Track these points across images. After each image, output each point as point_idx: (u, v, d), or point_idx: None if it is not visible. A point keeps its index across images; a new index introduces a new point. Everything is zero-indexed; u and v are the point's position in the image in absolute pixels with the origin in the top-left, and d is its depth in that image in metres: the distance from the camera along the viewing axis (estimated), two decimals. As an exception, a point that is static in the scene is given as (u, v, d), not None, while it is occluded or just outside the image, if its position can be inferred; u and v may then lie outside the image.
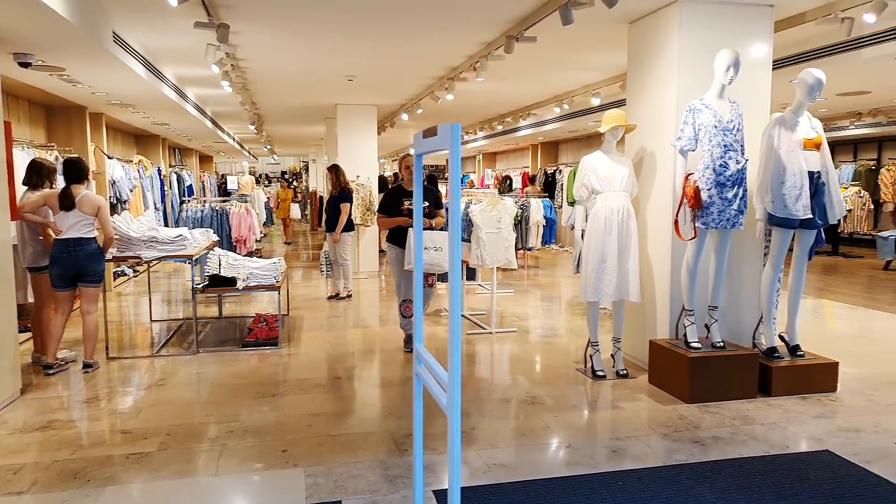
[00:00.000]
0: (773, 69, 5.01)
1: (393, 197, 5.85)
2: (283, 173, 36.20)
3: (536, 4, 5.04)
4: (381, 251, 11.62)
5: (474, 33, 6.03)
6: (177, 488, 3.22)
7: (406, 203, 5.73)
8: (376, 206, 10.23)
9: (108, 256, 5.55)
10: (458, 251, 1.66)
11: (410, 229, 5.43)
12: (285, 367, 5.50)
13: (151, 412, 4.38)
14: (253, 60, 7.21)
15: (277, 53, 6.86)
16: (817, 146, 4.64)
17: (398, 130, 15.35)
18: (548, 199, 12.10)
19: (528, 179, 16.45)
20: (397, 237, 5.79)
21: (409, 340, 6.04)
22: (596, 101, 9.02)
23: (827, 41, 5.84)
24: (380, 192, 11.96)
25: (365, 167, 11.13)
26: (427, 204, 5.63)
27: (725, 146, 4.46)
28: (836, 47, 5.80)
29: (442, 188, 10.92)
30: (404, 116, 11.23)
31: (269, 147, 22.17)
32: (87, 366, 5.37)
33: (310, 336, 6.65)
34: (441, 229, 5.62)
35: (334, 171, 8.49)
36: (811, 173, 4.60)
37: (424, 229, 5.34)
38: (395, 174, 22.27)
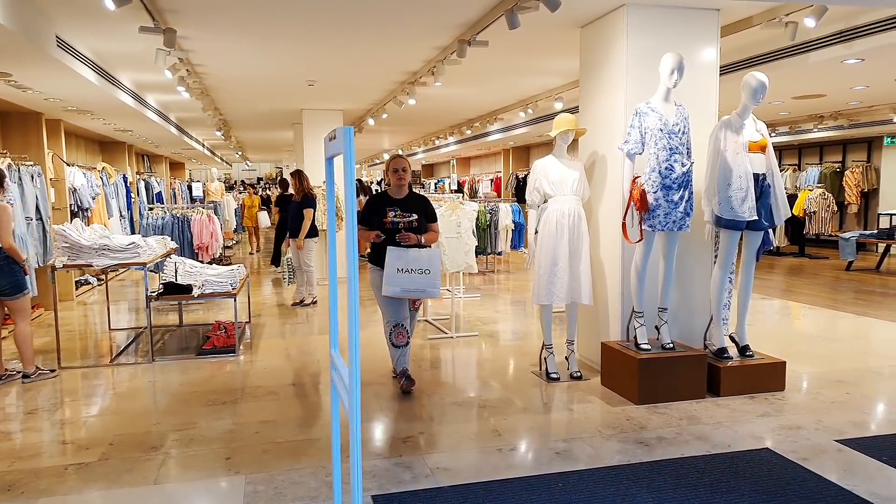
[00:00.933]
0: (725, 73, 5.08)
1: (374, 207, 4.88)
2: (259, 179, 35.99)
3: (485, 9, 5.07)
4: (361, 256, 11.58)
5: (430, 38, 6.04)
6: (112, 499, 3.17)
7: (391, 214, 4.81)
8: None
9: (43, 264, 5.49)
10: (355, 247, 1.67)
11: (390, 248, 4.70)
12: (240, 375, 5.46)
13: (97, 422, 4.32)
14: (209, 66, 7.16)
15: (233, 58, 6.82)
16: (762, 149, 4.71)
17: (369, 135, 15.33)
18: (516, 203, 12.15)
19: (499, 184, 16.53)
20: (377, 256, 4.84)
21: (404, 375, 4.89)
22: (559, 106, 9.09)
23: (775, 45, 5.93)
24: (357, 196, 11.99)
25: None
26: (415, 217, 4.84)
27: (671, 149, 4.51)
28: (785, 51, 5.90)
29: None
30: (370, 121, 11.21)
31: (240, 153, 22.02)
32: (24, 376, 5.28)
33: (270, 343, 6.60)
34: (423, 245, 4.86)
35: (297, 176, 8.45)
36: (756, 175, 4.66)
37: (411, 246, 4.74)
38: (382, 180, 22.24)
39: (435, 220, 5.05)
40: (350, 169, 1.69)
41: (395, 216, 4.79)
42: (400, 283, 4.65)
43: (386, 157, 23.44)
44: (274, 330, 7.24)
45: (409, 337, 4.92)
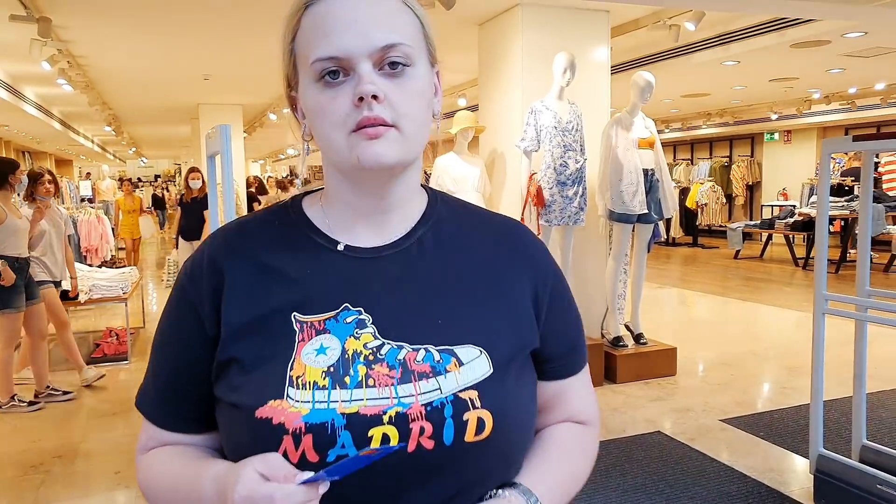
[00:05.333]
0: (616, 72, 5.28)
1: None
2: (157, 177, 34.34)
3: (383, 5, 5.03)
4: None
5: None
6: (-16, 524, 2.95)
7: None
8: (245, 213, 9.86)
9: None
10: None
11: None
12: (133, 383, 5.20)
13: (-31, 442, 3.99)
14: (93, 57, 6.76)
15: (120, 50, 6.46)
16: (651, 145, 4.93)
17: (273, 130, 14.95)
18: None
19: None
20: None
21: None
22: (462, 103, 9.17)
23: (662, 47, 6.22)
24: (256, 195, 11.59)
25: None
26: None
27: (565, 146, 4.64)
28: (670, 52, 6.20)
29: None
30: (272, 116, 10.94)
31: (134, 150, 20.95)
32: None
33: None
34: None
35: (199, 173, 8.08)
36: (646, 171, 4.88)
37: None
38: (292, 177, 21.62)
39: None
40: (228, 169, 1.63)
41: None
42: None
43: (291, 152, 22.92)
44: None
45: None
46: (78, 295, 5.66)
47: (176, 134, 16.08)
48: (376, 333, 0.80)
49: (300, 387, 0.76)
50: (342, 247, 0.85)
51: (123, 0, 4.83)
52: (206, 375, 0.83)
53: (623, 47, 6.31)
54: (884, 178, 11.06)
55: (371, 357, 0.78)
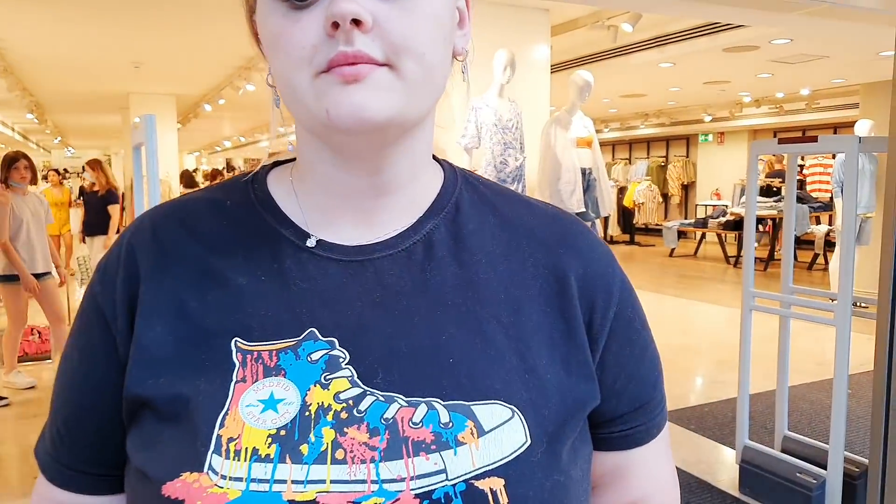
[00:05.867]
0: (556, 71, 5.33)
1: None
2: (54, 169, 32.85)
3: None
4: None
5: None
6: None
7: None
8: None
9: None
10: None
11: None
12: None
13: None
14: (11, 41, 6.41)
15: (41, 34, 6.15)
16: (589, 144, 5.01)
17: (208, 121, 14.55)
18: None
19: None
20: None
21: None
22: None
23: (601, 47, 6.33)
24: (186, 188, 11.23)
25: (164, 161, 10.39)
26: None
27: (505, 143, 4.66)
28: (609, 53, 6.31)
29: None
30: (207, 107, 10.65)
31: (59, 139, 20.05)
32: None
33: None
34: None
35: (98, 167, 7.38)
36: (584, 170, 4.95)
37: None
38: (214, 170, 21.05)
39: None
40: (152, 161, 1.55)
41: None
42: None
43: (227, 144, 22.38)
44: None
45: None
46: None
47: (105, 123, 15.47)
48: (355, 378, 0.53)
49: (232, 455, 0.50)
50: (313, 242, 0.59)
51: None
52: (119, 415, 0.58)
53: (563, 47, 6.38)
54: (807, 179, 11.56)
55: (344, 415, 0.51)
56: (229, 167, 24.83)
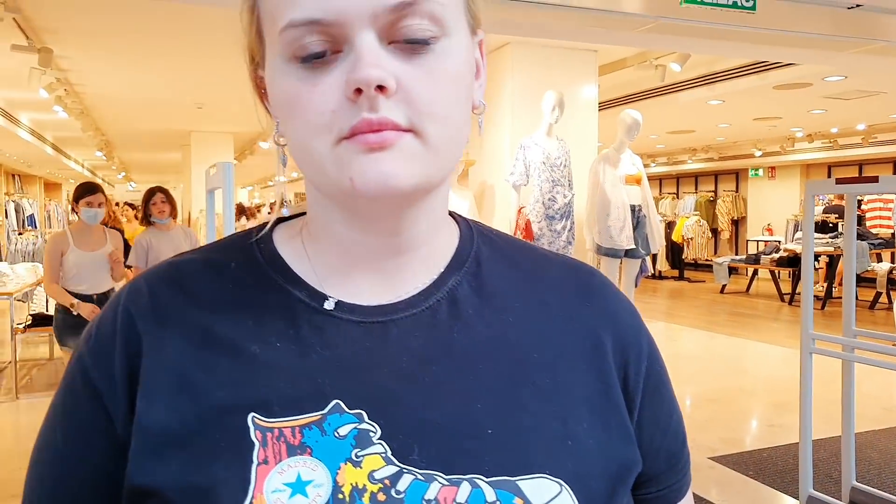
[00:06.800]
0: (604, 109, 5.40)
1: None
2: (129, 203, 34.04)
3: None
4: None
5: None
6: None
7: None
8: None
9: None
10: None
11: None
12: None
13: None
14: (89, 85, 6.82)
15: (116, 79, 6.53)
16: (638, 181, 5.03)
17: (262, 157, 15.02)
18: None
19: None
20: None
21: None
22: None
23: (649, 85, 6.37)
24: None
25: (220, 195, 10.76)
26: None
27: (553, 181, 4.72)
28: (657, 91, 6.34)
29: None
30: (263, 144, 11.02)
31: (123, 174, 20.95)
32: None
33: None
34: None
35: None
36: (633, 206, 4.97)
37: None
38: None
39: None
40: (229, 204, 1.65)
41: None
42: None
43: (282, 179, 22.93)
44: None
45: None
46: None
47: (166, 159, 16.13)
48: (388, 454, 0.48)
49: None
50: (332, 304, 0.54)
51: (123, 30, 4.91)
52: None
53: (610, 85, 6.45)
54: (867, 215, 11.25)
55: (381, 497, 0.47)
56: (282, 202, 25.40)
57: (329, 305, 0.54)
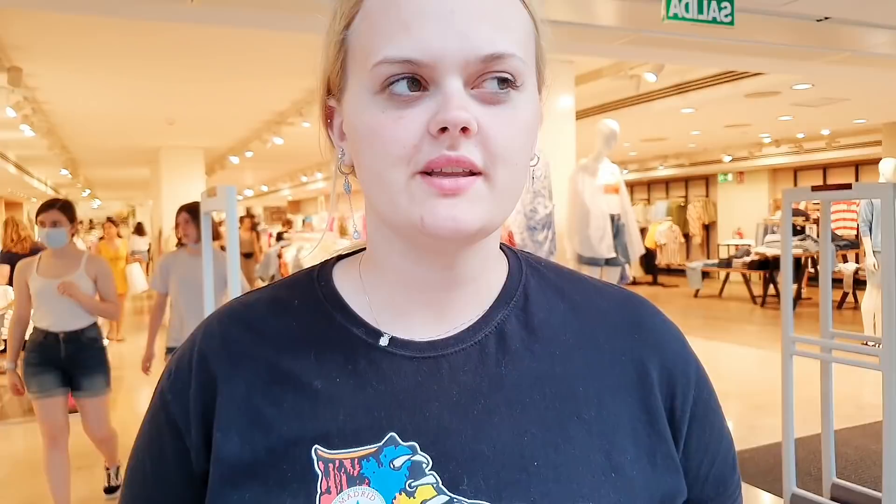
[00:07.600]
0: (581, 118, 5.45)
1: None
2: (109, 218, 33.49)
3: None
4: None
5: (299, 79, 6.01)
6: None
7: None
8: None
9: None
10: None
11: None
12: None
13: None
14: (57, 102, 6.69)
15: (84, 96, 6.42)
16: (616, 190, 5.09)
17: (232, 173, 14.87)
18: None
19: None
20: None
21: None
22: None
23: (624, 95, 6.47)
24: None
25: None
26: None
27: (534, 192, 4.75)
28: (632, 100, 6.43)
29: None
30: (234, 159, 10.91)
31: (88, 192, 20.56)
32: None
33: (140, 395, 6.13)
34: None
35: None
36: (612, 216, 5.02)
37: None
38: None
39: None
40: (233, 230, 1.62)
41: None
42: None
43: (249, 193, 22.72)
44: (140, 381, 6.74)
45: None
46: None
47: (133, 175, 15.88)
48: (440, 485, 0.52)
49: None
50: (386, 341, 0.57)
51: (92, 48, 4.83)
52: None
53: (586, 94, 6.53)
54: (832, 217, 11.51)
55: None
56: (248, 215, 25.13)
57: (384, 342, 0.57)
